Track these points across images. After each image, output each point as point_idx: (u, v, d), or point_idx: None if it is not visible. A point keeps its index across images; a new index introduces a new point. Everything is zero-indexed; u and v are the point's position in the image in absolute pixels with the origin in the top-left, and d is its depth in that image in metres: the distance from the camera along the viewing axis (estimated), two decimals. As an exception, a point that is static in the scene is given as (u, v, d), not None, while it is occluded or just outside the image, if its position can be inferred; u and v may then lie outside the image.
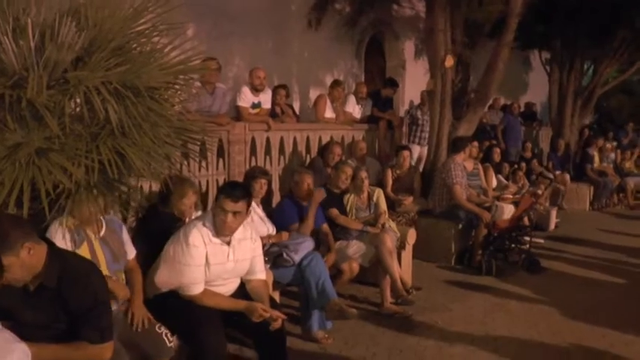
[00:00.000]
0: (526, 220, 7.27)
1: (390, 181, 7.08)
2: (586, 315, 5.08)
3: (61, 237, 2.92)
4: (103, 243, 3.11)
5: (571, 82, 12.41)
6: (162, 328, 3.11)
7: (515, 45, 9.49)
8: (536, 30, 10.73)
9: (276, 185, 6.43)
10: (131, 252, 3.36)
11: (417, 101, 9.69)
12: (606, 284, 6.19)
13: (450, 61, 7.56)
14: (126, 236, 3.35)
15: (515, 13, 7.68)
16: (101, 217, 3.15)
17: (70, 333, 2.38)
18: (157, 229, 3.62)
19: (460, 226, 6.78)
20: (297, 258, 4.32)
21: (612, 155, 12.12)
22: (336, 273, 4.85)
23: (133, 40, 2.91)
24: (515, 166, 9.59)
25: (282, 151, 6.65)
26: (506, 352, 4.31)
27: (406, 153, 7.16)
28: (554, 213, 8.95)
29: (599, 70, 12.58)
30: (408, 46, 11.39)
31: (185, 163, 4.83)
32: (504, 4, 7.81)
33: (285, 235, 4.58)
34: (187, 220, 3.71)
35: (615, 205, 11.44)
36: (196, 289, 3.25)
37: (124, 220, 4.16)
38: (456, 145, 7.09)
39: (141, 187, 3.62)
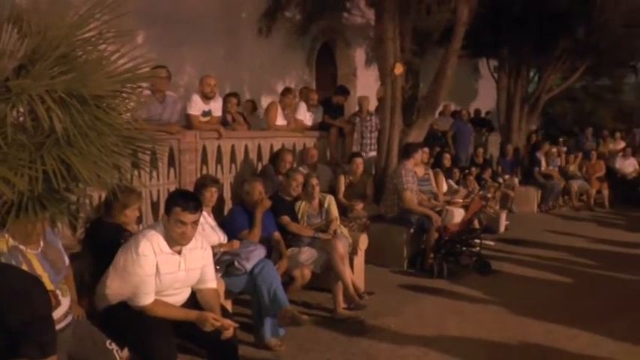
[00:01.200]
0: (476, 223, 7.46)
1: (342, 188, 7.13)
2: (534, 313, 5.23)
3: None
4: (43, 258, 2.99)
5: (518, 89, 12.79)
6: (113, 345, 3.05)
7: (464, 53, 9.74)
8: (484, 38, 11.00)
9: (227, 194, 6.40)
10: (66, 259, 3.28)
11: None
12: (553, 283, 6.39)
13: (399, 69, 7.69)
14: (60, 244, 3.27)
15: (463, 21, 7.88)
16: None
17: (8, 351, 2.31)
18: (103, 241, 3.57)
19: (412, 230, 6.89)
20: (248, 266, 4.31)
21: (558, 160, 12.50)
22: (288, 280, 4.85)
23: (78, 47, 2.86)
24: (466, 171, 9.80)
25: (233, 159, 6.62)
26: (457, 352, 4.39)
27: (359, 160, 7.23)
28: (503, 216, 9.18)
29: (544, 78, 12.99)
30: (359, 54, 11.53)
31: (136, 173, 4.78)
32: (452, 13, 7.99)
33: (236, 243, 4.56)
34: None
35: (561, 207, 11.81)
36: (147, 299, 3.21)
37: (74, 231, 4.09)
38: (407, 151, 7.21)
39: (90, 197, 3.55)
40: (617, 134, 14.83)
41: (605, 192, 12.18)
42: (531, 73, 13.68)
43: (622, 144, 14.06)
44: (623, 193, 12.53)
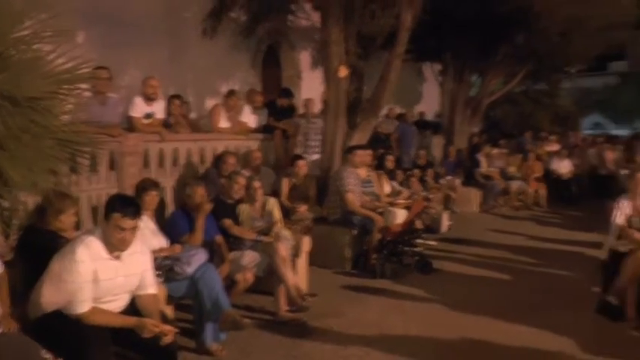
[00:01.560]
0: (419, 223, 7.58)
1: (285, 190, 7.14)
2: (475, 309, 5.40)
3: None
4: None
5: (461, 92, 13.11)
6: (48, 355, 2.98)
7: (408, 57, 9.89)
8: (428, 43, 11.21)
9: (169, 197, 6.33)
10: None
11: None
12: (493, 280, 6.60)
13: (343, 72, 7.77)
14: None
15: (406, 27, 8.03)
16: None
17: None
18: (36, 248, 3.48)
19: (355, 232, 6.95)
20: (190, 270, 4.27)
21: (498, 161, 12.85)
22: (230, 284, 4.83)
23: (11, 46, 2.78)
24: (409, 172, 9.96)
25: (176, 162, 6.56)
26: (400, 350, 4.46)
27: (302, 162, 7.25)
28: (445, 216, 9.35)
29: (486, 82, 13.35)
30: (305, 57, 11.57)
31: (74, 176, 4.68)
32: (396, 18, 8.12)
33: (177, 247, 4.52)
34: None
35: (501, 207, 12.10)
36: (83, 306, 3.14)
37: (6, 238, 3.97)
38: (350, 154, 7.29)
39: (24, 203, 3.44)
40: (552, 137, 15.35)
41: (542, 192, 12.59)
42: (474, 77, 14.04)
43: (557, 146, 14.55)
44: (559, 192, 12.98)
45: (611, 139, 16.34)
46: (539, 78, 15.32)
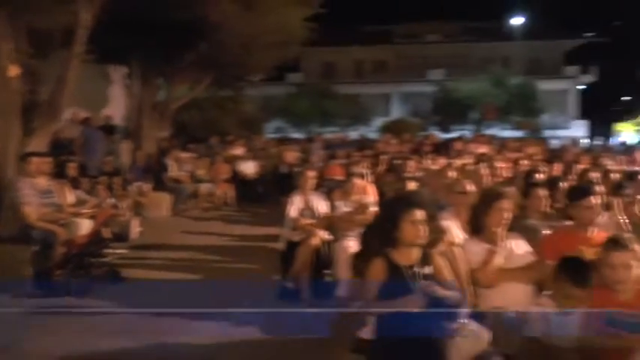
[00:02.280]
0: (106, 232, 7.32)
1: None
2: (163, 313, 5.40)
3: None
4: None
5: (147, 96, 13.07)
6: None
7: (91, 57, 9.48)
8: (112, 44, 10.87)
9: None
10: None
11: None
12: (183, 282, 6.80)
13: (13, 71, 7.12)
14: None
15: (84, 25, 7.75)
16: None
17: None
18: None
19: (35, 248, 6.43)
20: None
21: (187, 165, 13.13)
22: None
23: None
24: (95, 180, 9.57)
25: None
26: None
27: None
28: (135, 222, 9.15)
29: (172, 87, 13.52)
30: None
31: None
32: (73, 15, 7.71)
33: None
34: None
35: (192, 209, 12.34)
36: None
37: None
38: (25, 162, 6.76)
39: None
40: (238, 141, 16.27)
41: (231, 192, 13.26)
42: (160, 82, 14.08)
43: (243, 149, 15.45)
44: (246, 192, 13.79)
45: (290, 142, 18.04)
46: (223, 85, 16.06)
